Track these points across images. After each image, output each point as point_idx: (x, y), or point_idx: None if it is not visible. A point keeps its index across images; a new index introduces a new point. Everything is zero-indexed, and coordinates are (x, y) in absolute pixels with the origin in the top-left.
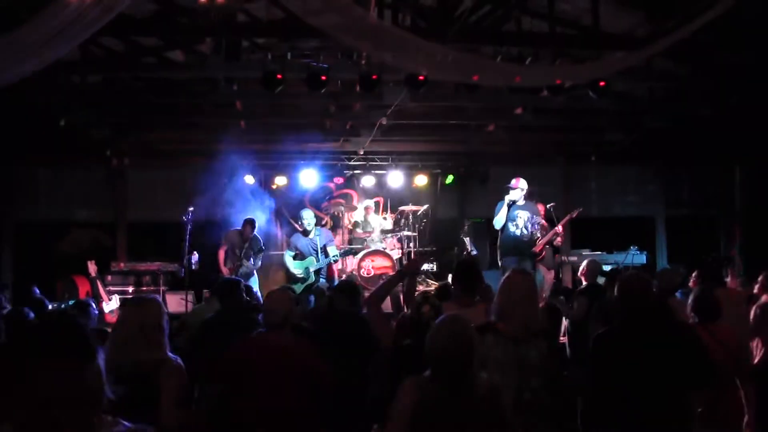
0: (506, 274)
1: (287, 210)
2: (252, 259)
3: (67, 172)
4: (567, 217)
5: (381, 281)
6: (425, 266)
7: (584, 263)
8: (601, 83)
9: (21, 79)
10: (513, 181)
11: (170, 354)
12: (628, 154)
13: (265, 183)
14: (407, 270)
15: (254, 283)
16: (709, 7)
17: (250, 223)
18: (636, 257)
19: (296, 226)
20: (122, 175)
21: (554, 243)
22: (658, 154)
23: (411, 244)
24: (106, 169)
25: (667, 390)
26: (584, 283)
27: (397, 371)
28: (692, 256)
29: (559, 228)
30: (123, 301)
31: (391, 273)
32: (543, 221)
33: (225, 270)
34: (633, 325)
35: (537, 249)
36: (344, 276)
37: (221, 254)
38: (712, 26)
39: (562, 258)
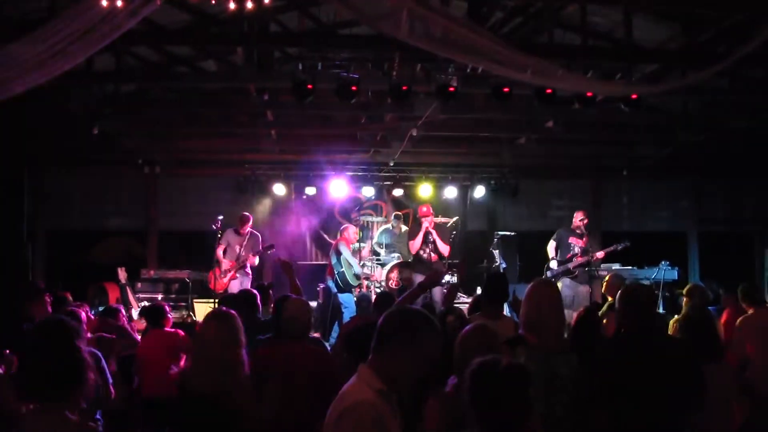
0: (531, 285)
1: (317, 220)
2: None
3: (99, 180)
4: (612, 248)
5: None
6: (446, 277)
7: (607, 278)
8: (633, 95)
9: (53, 82)
10: (424, 209)
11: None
12: (660, 168)
13: (295, 193)
14: (428, 282)
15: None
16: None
17: (244, 219)
18: (668, 272)
19: (326, 237)
20: (154, 184)
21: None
22: (691, 168)
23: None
24: (138, 177)
25: (663, 410)
26: (609, 299)
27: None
28: (725, 272)
29: (600, 254)
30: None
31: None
32: (582, 241)
33: (225, 263)
34: (634, 340)
35: (572, 266)
36: (371, 287)
37: (219, 252)
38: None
39: (593, 272)
